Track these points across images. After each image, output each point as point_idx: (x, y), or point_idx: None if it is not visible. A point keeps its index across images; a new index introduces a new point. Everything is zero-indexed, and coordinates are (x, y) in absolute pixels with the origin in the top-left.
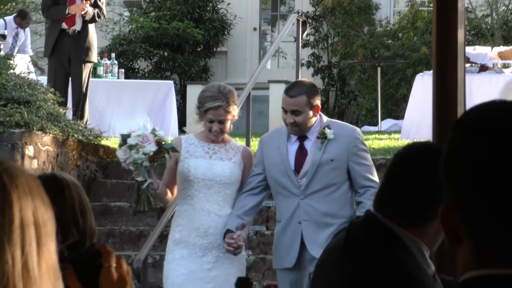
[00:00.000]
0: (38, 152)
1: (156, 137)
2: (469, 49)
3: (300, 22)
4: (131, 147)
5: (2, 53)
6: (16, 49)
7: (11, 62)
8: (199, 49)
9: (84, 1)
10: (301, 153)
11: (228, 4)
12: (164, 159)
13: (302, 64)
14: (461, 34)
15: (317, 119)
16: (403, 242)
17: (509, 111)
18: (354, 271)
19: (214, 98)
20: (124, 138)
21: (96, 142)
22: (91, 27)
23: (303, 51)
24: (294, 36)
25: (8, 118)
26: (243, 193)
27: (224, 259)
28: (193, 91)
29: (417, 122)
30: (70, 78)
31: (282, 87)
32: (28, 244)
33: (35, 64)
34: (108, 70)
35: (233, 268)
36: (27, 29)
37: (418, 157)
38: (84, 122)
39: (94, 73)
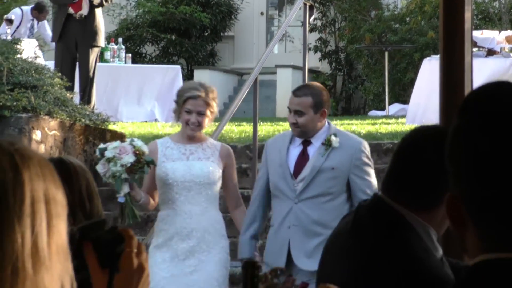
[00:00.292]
0: (45, 137)
1: (134, 147)
2: (477, 33)
3: (307, 6)
4: (109, 160)
5: (9, 37)
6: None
7: (18, 46)
8: (206, 33)
9: None
10: (303, 158)
11: None
12: (143, 172)
13: (309, 49)
14: (468, 18)
15: (324, 126)
16: (410, 225)
17: None
18: (362, 254)
19: (194, 88)
20: (102, 151)
21: (103, 127)
22: (98, 11)
23: (310, 36)
24: (301, 20)
25: (15, 103)
26: (252, 203)
27: (206, 262)
28: (201, 76)
29: (423, 106)
30: (77, 63)
31: (289, 71)
32: (38, 224)
33: None
34: (115, 55)
35: (215, 272)
36: (45, 23)
37: (426, 140)
38: (91, 106)
39: (101, 58)
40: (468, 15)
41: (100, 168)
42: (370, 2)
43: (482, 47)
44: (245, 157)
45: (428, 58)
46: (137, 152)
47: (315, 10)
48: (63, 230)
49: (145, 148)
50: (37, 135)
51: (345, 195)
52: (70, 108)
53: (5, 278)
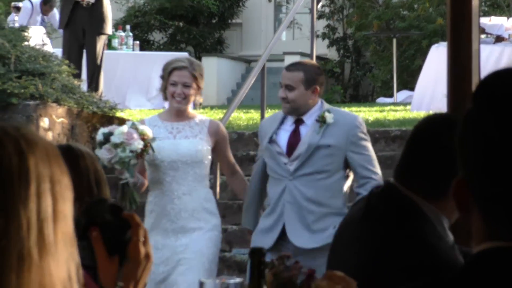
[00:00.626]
0: (53, 124)
1: (138, 131)
2: (485, 20)
3: None
4: (116, 146)
5: (17, 25)
6: None
7: (26, 34)
8: (214, 21)
9: None
10: (295, 137)
11: None
12: (148, 154)
13: (317, 36)
14: (475, 5)
15: (316, 105)
16: (423, 213)
17: None
18: (374, 241)
19: (180, 60)
20: (106, 136)
21: (111, 114)
22: None
23: (318, 23)
24: (309, 7)
25: (22, 90)
26: (254, 177)
27: (197, 241)
28: (208, 63)
29: (430, 93)
30: (84, 50)
31: (297, 59)
32: (44, 209)
33: None
34: (123, 42)
35: (205, 249)
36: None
37: (439, 128)
38: (99, 94)
39: (109, 45)
40: (475, 2)
41: (103, 153)
42: None
43: (490, 34)
44: (252, 144)
45: (436, 44)
46: (144, 136)
47: None
48: (69, 216)
49: (149, 131)
50: (44, 122)
51: (341, 173)
52: (78, 96)
53: (10, 265)
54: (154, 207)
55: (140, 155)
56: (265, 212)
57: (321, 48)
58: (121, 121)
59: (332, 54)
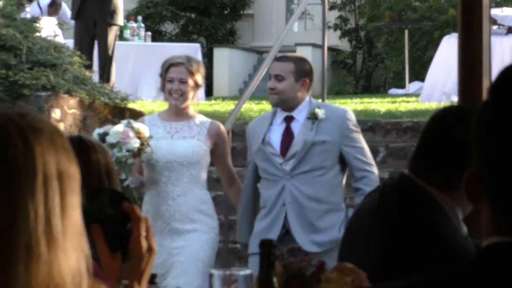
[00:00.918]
0: (64, 115)
1: (134, 130)
2: (497, 11)
3: None
4: (112, 145)
5: (29, 16)
6: None
7: (37, 25)
8: (226, 12)
9: None
10: (287, 135)
11: None
12: (144, 153)
13: (329, 27)
14: None
15: (305, 100)
16: (438, 204)
17: None
18: (387, 233)
19: (177, 57)
20: (102, 136)
21: (122, 105)
22: None
23: (330, 14)
24: None
25: (34, 81)
26: (246, 185)
27: (193, 242)
28: (220, 55)
29: (441, 84)
30: (96, 42)
31: (309, 50)
32: (51, 200)
33: None
34: (135, 33)
35: (200, 252)
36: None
37: (455, 119)
38: (111, 85)
39: (120, 36)
40: None
41: None
42: None
43: (502, 25)
44: None
45: (447, 36)
46: (140, 135)
47: None
48: (77, 206)
49: (145, 129)
50: (56, 113)
51: (337, 168)
52: (89, 87)
53: (18, 257)
54: (150, 207)
55: (137, 154)
56: (260, 215)
57: (333, 39)
58: (133, 112)
59: (344, 45)
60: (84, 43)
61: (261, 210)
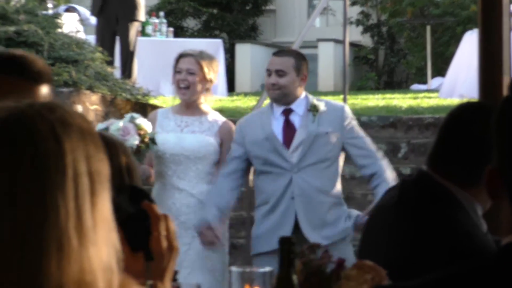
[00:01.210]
0: (86, 112)
1: (136, 126)
2: None
3: None
4: None
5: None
6: None
7: (59, 21)
8: (248, 7)
9: None
10: (288, 128)
11: None
12: (149, 149)
13: (351, 22)
14: None
15: (302, 94)
16: (457, 200)
17: None
18: (406, 229)
19: (190, 50)
20: (102, 131)
21: (144, 101)
22: None
23: (352, 9)
24: None
25: (56, 78)
26: (222, 176)
27: (199, 242)
28: (242, 50)
29: (462, 80)
30: (117, 37)
31: (331, 45)
32: (81, 196)
33: None
34: (157, 29)
35: (210, 250)
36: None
37: (472, 115)
38: (132, 81)
39: (142, 32)
40: None
41: None
42: None
43: None
44: None
45: (469, 31)
46: (141, 131)
47: None
48: (107, 201)
49: (148, 126)
50: (78, 109)
51: (338, 161)
52: (111, 83)
53: (50, 254)
54: (157, 200)
55: (136, 150)
56: (261, 211)
57: (355, 34)
58: (154, 108)
59: (366, 40)
60: (106, 39)
61: (261, 207)
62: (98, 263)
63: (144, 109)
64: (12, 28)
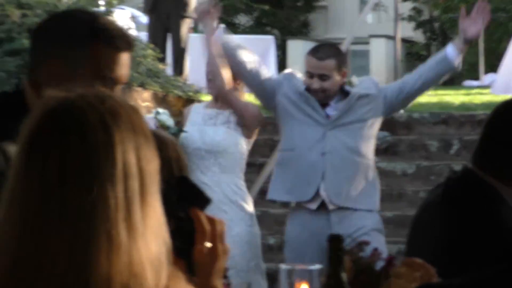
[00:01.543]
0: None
1: (159, 122)
2: None
3: None
4: None
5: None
6: None
7: (111, 18)
8: (299, 3)
9: None
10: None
11: None
12: None
13: (403, 18)
14: None
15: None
16: (501, 197)
17: None
18: (451, 226)
19: None
20: None
21: (196, 98)
22: None
23: (404, 5)
24: None
25: None
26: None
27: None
28: (294, 47)
29: None
30: (169, 34)
31: (383, 41)
32: (130, 188)
33: None
34: None
35: (234, 249)
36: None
37: None
38: (184, 78)
39: (194, 29)
40: None
41: None
42: None
43: None
44: None
45: None
46: (161, 126)
47: None
48: (156, 193)
49: (170, 121)
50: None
51: (376, 125)
52: (163, 80)
53: (100, 247)
54: None
55: None
56: (285, 156)
57: (407, 30)
58: None
59: (418, 36)
60: (157, 36)
61: (285, 151)
62: (146, 255)
63: None
64: None
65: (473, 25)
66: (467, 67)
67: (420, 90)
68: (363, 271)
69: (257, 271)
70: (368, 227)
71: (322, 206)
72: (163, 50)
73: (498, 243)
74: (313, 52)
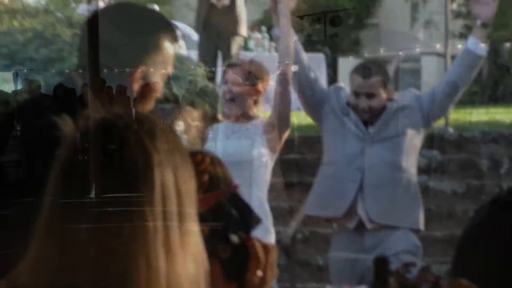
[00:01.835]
0: (188, 128)
1: None
2: None
3: None
4: None
5: None
6: None
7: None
8: (350, 21)
9: None
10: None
11: None
12: None
13: (454, 36)
14: None
15: None
16: None
17: None
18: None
19: (237, 59)
20: None
21: None
22: (240, 0)
23: (456, 22)
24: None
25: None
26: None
27: None
28: (345, 65)
29: None
30: (219, 53)
31: (434, 59)
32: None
33: None
34: (259, 44)
35: None
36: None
37: None
38: None
39: (245, 47)
40: None
41: None
42: None
43: None
44: None
45: None
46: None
47: None
48: (193, 216)
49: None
50: (179, 126)
51: (418, 137)
52: (213, 99)
53: (140, 270)
54: None
55: None
56: (326, 171)
57: (457, 48)
58: None
59: None
60: (208, 55)
61: (322, 166)
62: (184, 277)
63: None
64: None
65: (485, 6)
66: None
67: (452, 91)
68: None
69: None
70: (399, 252)
71: (361, 225)
72: (213, 69)
73: None
74: (358, 71)
